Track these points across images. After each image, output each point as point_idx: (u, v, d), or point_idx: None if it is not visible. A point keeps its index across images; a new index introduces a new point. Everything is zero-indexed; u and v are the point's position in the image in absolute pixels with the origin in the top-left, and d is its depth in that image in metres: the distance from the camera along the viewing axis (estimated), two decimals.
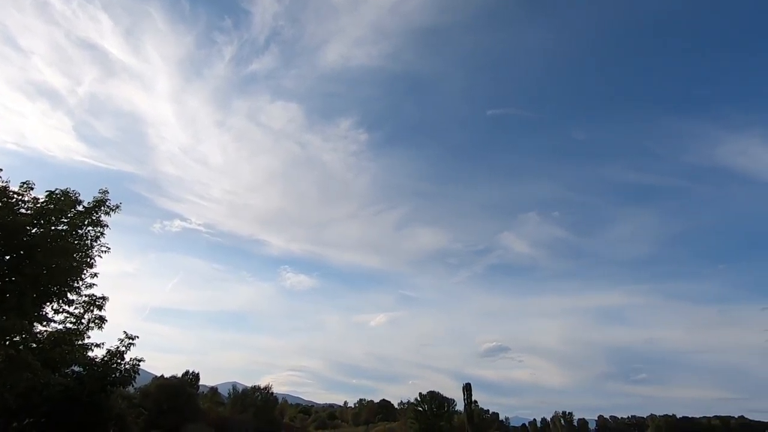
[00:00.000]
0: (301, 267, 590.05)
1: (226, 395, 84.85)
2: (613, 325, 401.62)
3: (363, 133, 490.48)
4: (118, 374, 18.07)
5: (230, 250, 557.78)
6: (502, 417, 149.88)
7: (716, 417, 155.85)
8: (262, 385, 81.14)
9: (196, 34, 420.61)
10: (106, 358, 18.09)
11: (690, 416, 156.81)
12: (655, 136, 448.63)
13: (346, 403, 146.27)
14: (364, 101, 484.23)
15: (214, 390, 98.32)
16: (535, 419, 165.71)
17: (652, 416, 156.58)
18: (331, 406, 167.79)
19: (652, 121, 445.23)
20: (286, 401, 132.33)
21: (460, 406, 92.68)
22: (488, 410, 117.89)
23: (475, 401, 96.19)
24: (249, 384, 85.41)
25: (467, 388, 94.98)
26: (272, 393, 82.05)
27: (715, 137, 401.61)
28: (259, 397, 78.70)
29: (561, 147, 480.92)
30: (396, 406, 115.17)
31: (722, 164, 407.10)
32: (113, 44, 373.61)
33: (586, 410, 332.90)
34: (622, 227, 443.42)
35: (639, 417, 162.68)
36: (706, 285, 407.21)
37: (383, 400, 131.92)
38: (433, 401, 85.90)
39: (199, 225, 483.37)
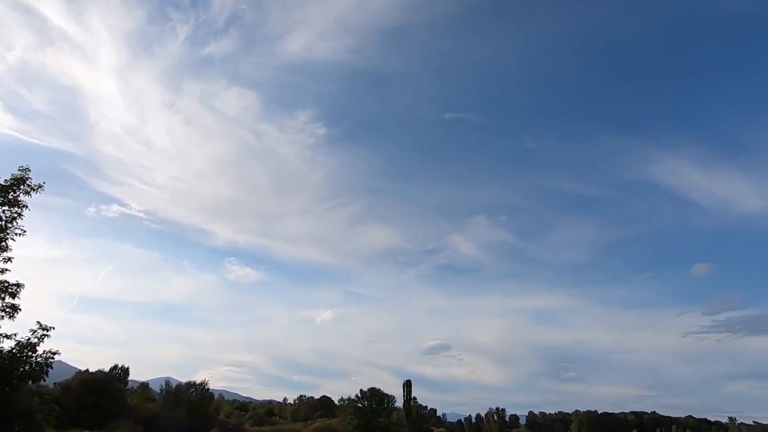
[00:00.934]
0: (248, 260, 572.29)
1: (159, 391, 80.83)
2: (547, 326, 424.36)
3: (321, 127, 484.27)
4: (27, 368, 16.61)
5: (172, 239, 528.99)
6: (440, 413, 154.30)
7: (632, 413, 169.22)
8: (198, 381, 78.05)
9: (148, 9, 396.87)
10: (14, 350, 16.56)
11: (610, 412, 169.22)
12: (598, 150, 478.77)
13: (285, 399, 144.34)
14: (324, 95, 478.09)
15: (144, 385, 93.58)
16: (470, 415, 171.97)
17: (576, 412, 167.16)
18: (270, 402, 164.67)
19: (597, 137, 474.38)
20: (223, 397, 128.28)
21: (400, 403, 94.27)
22: (427, 406, 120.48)
23: (415, 398, 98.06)
24: (184, 379, 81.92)
25: (407, 385, 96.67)
26: (208, 389, 79.09)
27: (650, 156, 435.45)
28: (194, 393, 75.61)
29: (512, 154, 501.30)
30: (336, 402, 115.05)
31: (654, 181, 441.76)
32: (53, 10, 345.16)
33: (519, 406, 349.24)
34: (563, 234, 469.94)
35: (565, 413, 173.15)
36: (632, 291, 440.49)
37: (324, 396, 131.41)
38: (374, 398, 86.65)
39: (139, 211, 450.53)
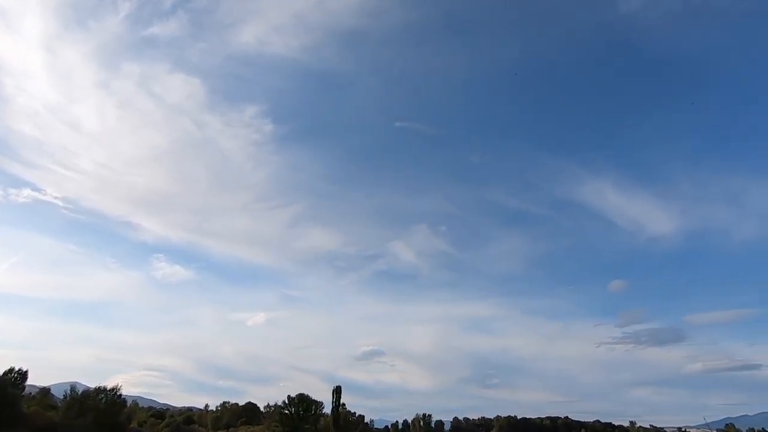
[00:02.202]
0: (178, 257, 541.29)
1: (62, 397, 73.45)
2: (477, 334, 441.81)
3: (269, 123, 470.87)
4: None
5: (93, 231, 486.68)
6: (368, 419, 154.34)
7: (548, 417, 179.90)
8: (110, 386, 72.38)
9: None
10: None
11: (528, 417, 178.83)
12: (535, 169, 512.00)
13: (207, 406, 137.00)
14: (274, 91, 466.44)
15: (45, 391, 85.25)
16: (398, 421, 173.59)
17: (498, 417, 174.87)
18: (190, 409, 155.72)
19: (535, 156, 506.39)
20: (137, 404, 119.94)
21: (329, 409, 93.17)
22: (355, 412, 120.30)
23: (344, 404, 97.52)
24: (94, 384, 75.41)
25: (337, 391, 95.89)
26: (120, 395, 73.45)
27: (580, 177, 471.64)
28: (103, 400, 69.82)
29: (457, 167, 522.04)
30: (262, 409, 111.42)
31: (581, 201, 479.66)
32: None
33: (446, 412, 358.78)
34: (498, 246, 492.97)
35: (487, 418, 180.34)
36: (556, 303, 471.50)
37: (249, 402, 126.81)
38: (301, 404, 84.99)
39: (56, 198, 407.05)
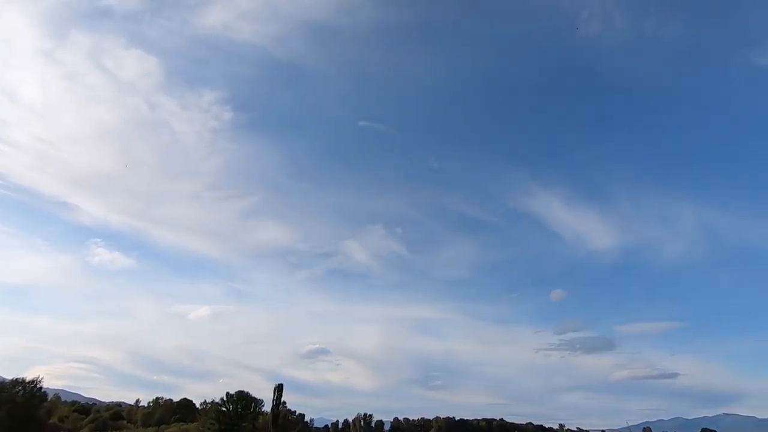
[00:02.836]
0: (118, 243, 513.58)
1: None
2: (424, 336, 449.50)
3: (228, 111, 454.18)
4: None
5: (23, 210, 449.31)
6: (309, 418, 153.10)
7: (484, 419, 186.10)
8: (29, 378, 67.03)
9: None
10: None
11: (466, 418, 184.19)
12: (491, 178, 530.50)
13: (138, 401, 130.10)
14: (237, 78, 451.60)
15: None
16: (338, 420, 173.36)
17: (437, 418, 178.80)
18: (120, 404, 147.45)
19: (491, 166, 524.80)
20: (59, 398, 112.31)
21: (269, 407, 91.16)
22: (296, 411, 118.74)
23: (284, 402, 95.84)
24: (11, 376, 69.55)
25: (278, 389, 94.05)
26: (40, 387, 68.33)
27: (531, 189, 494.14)
28: (21, 392, 64.61)
29: (417, 170, 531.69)
30: (198, 405, 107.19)
31: (531, 212, 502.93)
32: None
33: (388, 412, 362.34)
34: (450, 251, 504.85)
35: (427, 419, 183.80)
36: (501, 309, 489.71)
37: (184, 399, 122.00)
38: (240, 401, 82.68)
39: None
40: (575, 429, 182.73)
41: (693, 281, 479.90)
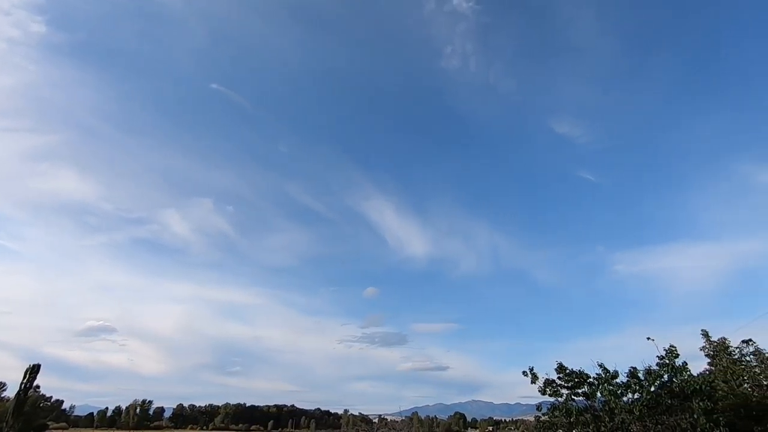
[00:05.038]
0: None
1: None
2: (232, 320, 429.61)
3: (41, 23, 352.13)
4: None
5: None
6: (69, 404, 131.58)
7: (275, 406, 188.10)
8: None
9: None
10: None
11: (257, 405, 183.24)
12: (334, 173, 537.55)
13: None
14: None
15: None
16: (108, 407, 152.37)
17: (226, 404, 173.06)
18: None
19: (338, 162, 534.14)
20: None
21: (14, 391, 74.30)
22: (51, 397, 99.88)
23: (38, 386, 79.37)
24: None
25: (32, 370, 77.30)
26: None
27: (368, 192, 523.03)
28: None
29: (263, 151, 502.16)
30: None
31: (364, 213, 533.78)
32: None
33: (174, 398, 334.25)
34: (279, 238, 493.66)
35: (215, 405, 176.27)
36: (317, 300, 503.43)
37: None
38: None
39: None
40: (357, 414, 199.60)
41: (474, 291, 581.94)
